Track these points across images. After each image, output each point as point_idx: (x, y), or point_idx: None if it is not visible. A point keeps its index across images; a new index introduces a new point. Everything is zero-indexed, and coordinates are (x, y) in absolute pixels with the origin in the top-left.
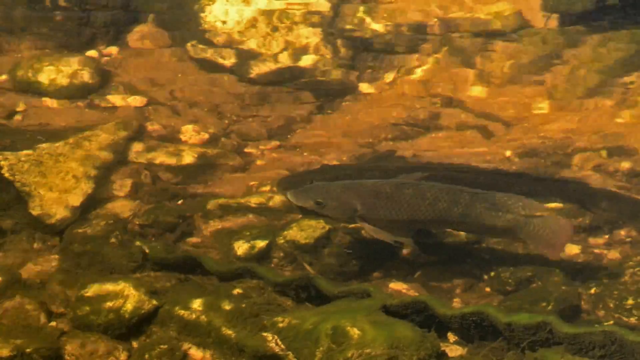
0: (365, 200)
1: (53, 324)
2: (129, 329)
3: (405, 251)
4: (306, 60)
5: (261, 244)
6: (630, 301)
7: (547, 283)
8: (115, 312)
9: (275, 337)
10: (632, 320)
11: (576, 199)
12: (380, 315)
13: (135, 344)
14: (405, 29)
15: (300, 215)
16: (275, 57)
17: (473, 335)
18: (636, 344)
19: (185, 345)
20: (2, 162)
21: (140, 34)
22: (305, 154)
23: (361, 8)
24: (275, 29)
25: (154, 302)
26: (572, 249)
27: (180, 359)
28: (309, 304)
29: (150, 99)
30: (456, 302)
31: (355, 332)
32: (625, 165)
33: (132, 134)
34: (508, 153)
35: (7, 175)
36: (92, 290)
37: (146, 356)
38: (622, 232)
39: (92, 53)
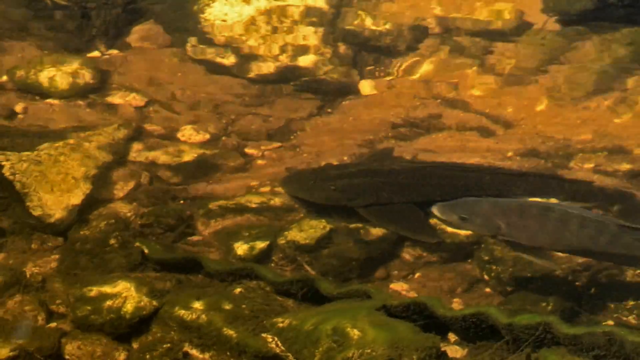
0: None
1: (53, 324)
2: (129, 329)
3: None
4: (306, 60)
5: (261, 244)
6: (630, 301)
7: (547, 283)
8: (116, 313)
9: (275, 337)
10: (632, 320)
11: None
12: (381, 315)
13: (135, 344)
14: (405, 29)
15: (301, 215)
16: (275, 57)
17: (473, 335)
18: (636, 344)
19: (186, 346)
20: (3, 162)
21: (141, 34)
22: (305, 154)
23: (361, 8)
24: (275, 29)
25: (154, 302)
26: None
27: None
28: (309, 305)
29: (150, 99)
30: (456, 303)
31: (355, 332)
32: (625, 165)
33: (132, 134)
34: (509, 153)
35: (7, 175)
36: (92, 291)
37: (147, 356)
38: None
39: (92, 53)
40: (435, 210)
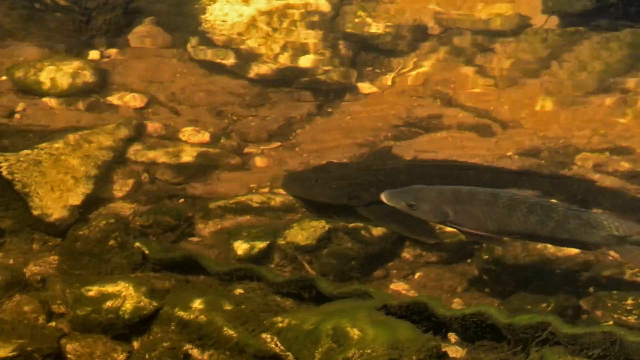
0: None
1: (53, 324)
2: (129, 329)
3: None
4: (306, 60)
5: (261, 244)
6: (629, 301)
7: (547, 283)
8: (115, 313)
9: (275, 337)
10: (632, 320)
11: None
12: (381, 315)
13: (135, 345)
14: (405, 29)
15: (301, 215)
16: (275, 57)
17: (473, 335)
18: (636, 344)
19: (186, 346)
20: (2, 162)
21: (141, 34)
22: (305, 154)
23: (361, 8)
24: (275, 29)
25: (154, 302)
26: (572, 249)
27: None
28: (309, 305)
29: (150, 99)
30: (456, 303)
31: (355, 332)
32: (625, 165)
33: (132, 134)
34: (508, 153)
35: (7, 175)
36: (92, 291)
37: (146, 356)
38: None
39: (92, 53)
40: (384, 197)
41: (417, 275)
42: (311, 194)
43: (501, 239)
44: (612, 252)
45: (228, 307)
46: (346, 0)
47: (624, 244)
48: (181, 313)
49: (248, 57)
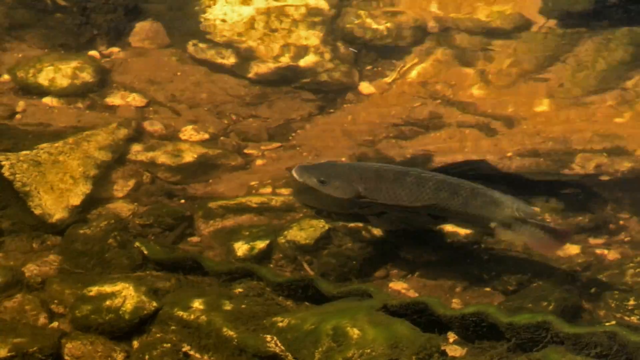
0: (368, 184)
1: (54, 324)
2: (129, 329)
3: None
4: (306, 60)
5: (261, 244)
6: (631, 301)
7: (548, 283)
8: (115, 313)
9: (275, 337)
10: (634, 320)
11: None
12: (381, 315)
13: (135, 345)
14: (405, 29)
15: (300, 215)
16: (275, 57)
17: (473, 335)
18: (638, 344)
19: (185, 346)
20: (2, 162)
21: (141, 34)
22: (305, 153)
23: (361, 8)
24: (275, 29)
25: (154, 302)
26: (572, 249)
27: None
28: (309, 304)
29: (151, 99)
30: (456, 302)
31: (355, 332)
32: (626, 165)
33: (132, 134)
34: (508, 153)
35: (6, 175)
36: (92, 291)
37: (146, 356)
38: (622, 233)
39: (92, 53)
40: (294, 172)
41: (416, 274)
42: (322, 204)
43: (415, 215)
44: (611, 253)
45: (228, 307)
46: (346, 0)
47: (526, 226)
48: (181, 313)
49: (248, 57)
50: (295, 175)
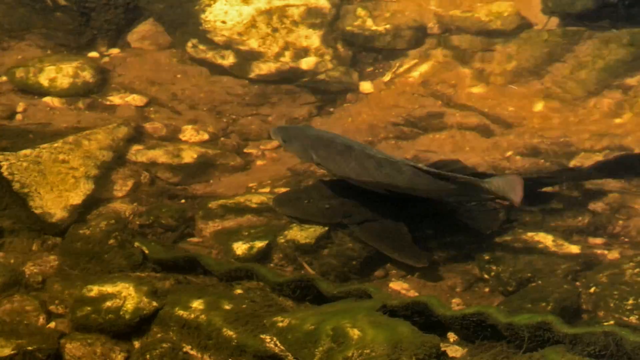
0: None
1: (53, 324)
2: (129, 329)
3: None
4: (306, 61)
5: (261, 244)
6: (630, 301)
7: (547, 283)
8: (115, 313)
9: (275, 337)
10: (633, 320)
11: None
12: (381, 315)
13: (135, 344)
14: (405, 29)
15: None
16: (275, 57)
17: (473, 335)
18: (637, 344)
19: (186, 346)
20: (2, 162)
21: (141, 34)
22: None
23: (361, 8)
24: (275, 29)
25: (154, 302)
26: (572, 249)
27: None
28: (309, 304)
29: (151, 99)
30: (456, 302)
31: (355, 332)
32: None
33: (132, 134)
34: (508, 153)
35: (6, 175)
36: (92, 291)
37: (146, 356)
38: (622, 233)
39: (92, 53)
40: (270, 131)
41: (416, 274)
42: (305, 214)
43: (371, 186)
44: (610, 254)
45: (228, 307)
46: (346, 0)
47: (494, 180)
48: (181, 313)
49: (248, 57)
50: (270, 133)
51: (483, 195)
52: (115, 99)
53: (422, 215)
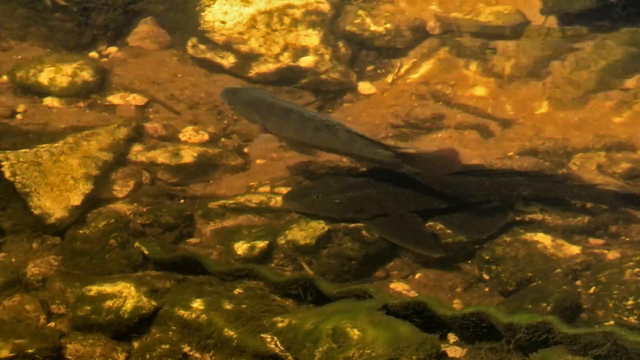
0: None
1: (53, 324)
2: (129, 329)
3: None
4: (306, 60)
5: (261, 244)
6: (630, 301)
7: (547, 283)
8: (115, 313)
9: (275, 337)
10: (632, 320)
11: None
12: (381, 315)
13: (135, 344)
14: (405, 29)
15: (300, 215)
16: (275, 57)
17: (473, 335)
18: (636, 344)
19: (186, 346)
20: (3, 162)
21: (141, 34)
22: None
23: (361, 8)
24: (275, 29)
25: (154, 302)
26: (572, 249)
27: None
28: (309, 305)
29: (151, 99)
30: (456, 302)
31: (355, 332)
32: (625, 165)
33: (132, 134)
34: (509, 152)
35: (7, 175)
36: (92, 291)
37: (146, 356)
38: (622, 233)
39: (92, 53)
40: (220, 93)
41: (417, 275)
42: (315, 210)
43: (312, 151)
44: (610, 254)
45: (228, 307)
46: (346, 0)
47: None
48: (181, 313)
49: (248, 57)
50: (220, 95)
51: (414, 166)
52: (115, 98)
53: (429, 213)
